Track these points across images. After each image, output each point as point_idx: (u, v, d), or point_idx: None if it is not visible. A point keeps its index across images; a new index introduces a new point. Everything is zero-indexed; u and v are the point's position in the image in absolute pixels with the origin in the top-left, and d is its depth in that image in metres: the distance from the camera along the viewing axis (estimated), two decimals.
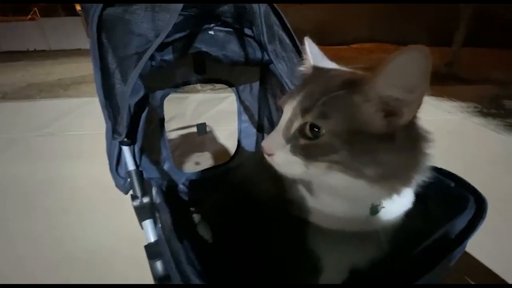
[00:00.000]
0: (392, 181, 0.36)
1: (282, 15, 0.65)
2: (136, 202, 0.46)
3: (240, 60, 0.69)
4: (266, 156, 0.38)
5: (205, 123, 0.88)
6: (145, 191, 0.48)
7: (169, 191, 0.81)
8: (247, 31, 0.67)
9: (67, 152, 1.87)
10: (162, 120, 0.77)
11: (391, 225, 0.43)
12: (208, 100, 1.74)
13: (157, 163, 0.80)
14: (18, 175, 1.58)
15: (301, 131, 0.36)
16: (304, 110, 0.36)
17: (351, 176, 0.34)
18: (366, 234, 0.43)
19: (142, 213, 0.46)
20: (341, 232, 0.42)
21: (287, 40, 0.67)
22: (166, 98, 0.76)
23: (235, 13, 0.63)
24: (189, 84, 0.76)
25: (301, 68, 0.47)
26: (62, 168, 1.63)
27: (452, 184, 0.42)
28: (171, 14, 0.43)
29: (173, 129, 1.44)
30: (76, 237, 1.12)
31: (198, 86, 2.53)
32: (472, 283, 1.05)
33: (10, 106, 3.11)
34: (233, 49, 0.67)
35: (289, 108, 0.38)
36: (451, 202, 0.40)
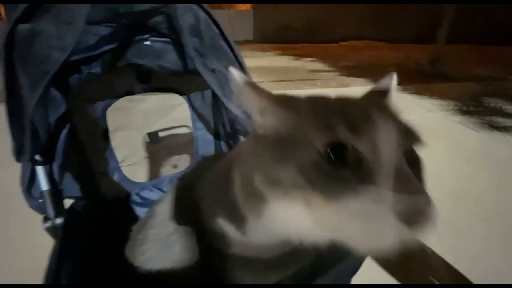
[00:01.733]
0: None
1: (218, 23, 0.64)
2: (48, 224, 0.45)
3: (180, 71, 0.67)
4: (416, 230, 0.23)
5: (157, 132, 0.87)
6: (60, 212, 0.47)
7: (118, 203, 0.80)
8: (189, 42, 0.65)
9: None
10: (106, 131, 0.75)
11: None
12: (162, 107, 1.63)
13: (104, 174, 0.79)
14: None
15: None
16: (404, 131, 0.27)
17: None
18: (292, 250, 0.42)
19: (56, 235, 0.45)
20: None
21: (226, 50, 0.66)
22: (109, 109, 0.74)
23: (169, 23, 0.61)
24: (133, 94, 0.74)
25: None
26: None
27: None
28: (75, 28, 0.42)
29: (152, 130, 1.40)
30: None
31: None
32: (437, 282, 1.07)
33: None
34: (172, 59, 0.66)
35: (386, 138, 0.26)
36: None
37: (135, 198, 0.86)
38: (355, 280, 1.00)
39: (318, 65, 4.62)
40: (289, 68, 4.48)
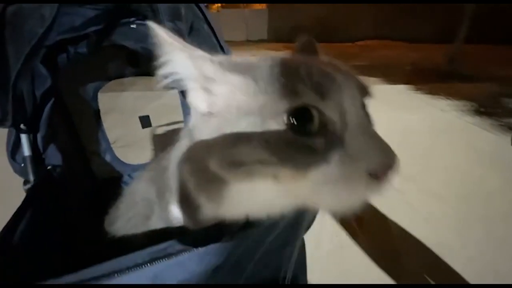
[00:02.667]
0: None
1: (204, 9, 0.66)
2: (27, 186, 0.49)
3: None
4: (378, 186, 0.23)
5: (148, 116, 0.90)
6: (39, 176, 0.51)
7: (110, 182, 0.85)
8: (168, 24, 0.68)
9: None
10: (97, 113, 0.79)
11: None
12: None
13: (96, 154, 0.83)
14: None
15: None
16: (360, 88, 0.27)
17: None
18: None
19: None
20: None
21: (210, 35, 0.68)
22: (100, 91, 0.78)
23: (153, 7, 0.64)
24: (124, 77, 0.78)
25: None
26: None
27: None
28: (51, 9, 0.45)
29: (160, 125, 1.42)
30: None
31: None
32: (432, 282, 1.04)
33: None
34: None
35: (350, 97, 0.26)
36: None
37: (126, 179, 0.91)
38: (355, 281, 0.99)
39: None
40: None
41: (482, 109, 2.62)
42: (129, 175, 0.91)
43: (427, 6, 5.83)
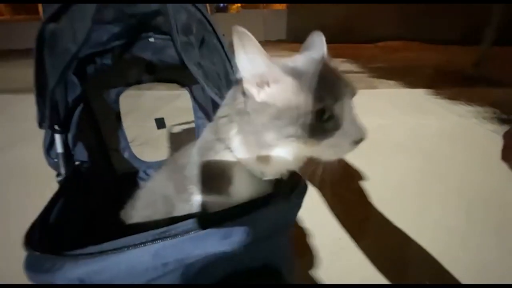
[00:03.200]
0: None
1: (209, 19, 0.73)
2: (59, 178, 0.59)
3: (177, 64, 0.78)
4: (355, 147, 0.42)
5: (163, 118, 0.99)
6: (70, 170, 0.60)
7: (127, 177, 0.95)
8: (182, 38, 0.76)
9: None
10: (118, 114, 0.89)
11: None
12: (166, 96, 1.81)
13: (116, 151, 0.93)
14: None
15: None
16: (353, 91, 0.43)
17: None
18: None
19: None
20: None
21: (219, 49, 0.74)
22: (121, 95, 0.88)
23: (168, 23, 0.72)
24: (142, 83, 0.87)
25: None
26: None
27: None
28: (84, 26, 0.54)
29: (177, 124, 1.49)
30: None
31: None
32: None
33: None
34: (171, 54, 0.77)
35: (347, 101, 0.42)
36: None
37: (142, 174, 1.00)
38: (356, 282, 1.02)
39: (349, 66, 4.49)
40: None
41: (504, 116, 2.51)
42: (144, 171, 1.01)
43: (451, 7, 5.60)
